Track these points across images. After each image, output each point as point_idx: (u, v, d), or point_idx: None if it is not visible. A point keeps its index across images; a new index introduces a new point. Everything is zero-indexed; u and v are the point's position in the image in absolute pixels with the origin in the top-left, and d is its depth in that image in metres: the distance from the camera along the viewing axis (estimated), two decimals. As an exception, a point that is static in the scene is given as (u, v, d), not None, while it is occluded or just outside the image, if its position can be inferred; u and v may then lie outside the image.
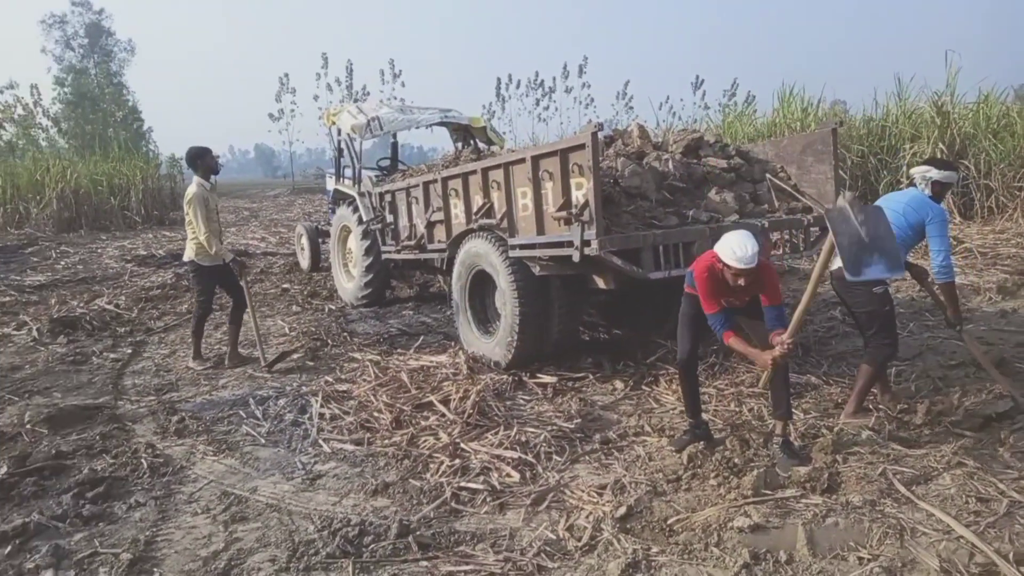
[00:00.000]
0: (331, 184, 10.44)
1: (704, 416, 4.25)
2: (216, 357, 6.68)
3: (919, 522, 3.14)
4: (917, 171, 4.43)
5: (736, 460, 3.82)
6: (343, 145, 9.58)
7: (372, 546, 3.19)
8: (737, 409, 4.65)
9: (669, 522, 3.28)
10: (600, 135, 4.73)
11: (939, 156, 11.27)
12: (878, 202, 4.43)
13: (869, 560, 2.89)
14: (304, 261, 11.40)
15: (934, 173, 4.34)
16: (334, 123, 9.59)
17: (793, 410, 3.98)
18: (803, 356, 5.70)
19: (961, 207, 11.90)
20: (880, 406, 4.49)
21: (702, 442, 4.03)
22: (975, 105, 12.40)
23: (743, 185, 5.73)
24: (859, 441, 4.01)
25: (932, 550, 2.92)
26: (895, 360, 4.71)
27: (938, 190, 4.33)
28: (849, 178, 12.28)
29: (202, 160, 6.28)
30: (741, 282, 3.62)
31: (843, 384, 4.97)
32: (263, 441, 4.61)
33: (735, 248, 3.55)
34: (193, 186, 6.25)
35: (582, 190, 4.58)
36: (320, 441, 4.53)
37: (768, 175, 5.79)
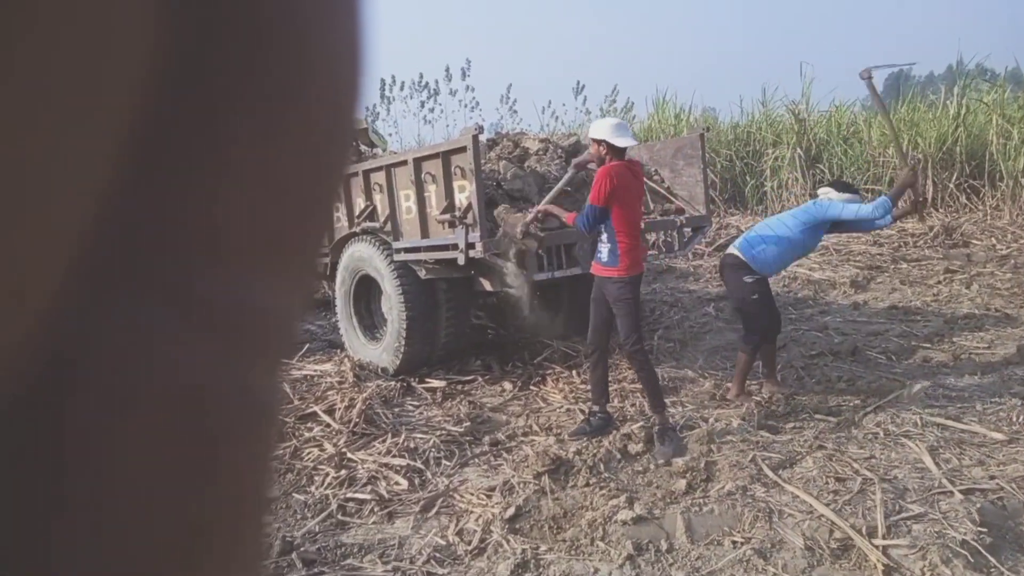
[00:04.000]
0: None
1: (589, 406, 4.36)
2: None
3: (786, 504, 3.35)
4: (820, 192, 4.75)
5: (621, 454, 3.94)
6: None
7: (253, 567, 3.04)
8: (620, 404, 4.80)
9: (557, 520, 3.34)
10: (482, 138, 4.76)
11: (843, 179, 11.99)
12: (775, 216, 4.86)
13: (742, 543, 3.05)
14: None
15: (834, 195, 4.62)
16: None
17: (664, 401, 4.18)
18: (680, 351, 5.96)
19: (817, 208, 12.85)
20: (761, 393, 4.77)
21: (598, 434, 4.16)
22: (828, 114, 13.44)
23: (621, 188, 5.92)
24: (731, 430, 4.24)
25: (797, 529, 3.12)
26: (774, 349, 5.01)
27: None
28: (719, 180, 12.98)
29: None
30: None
31: (717, 378, 5.24)
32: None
33: (623, 129, 4.07)
34: None
35: (465, 193, 4.58)
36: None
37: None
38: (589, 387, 4.46)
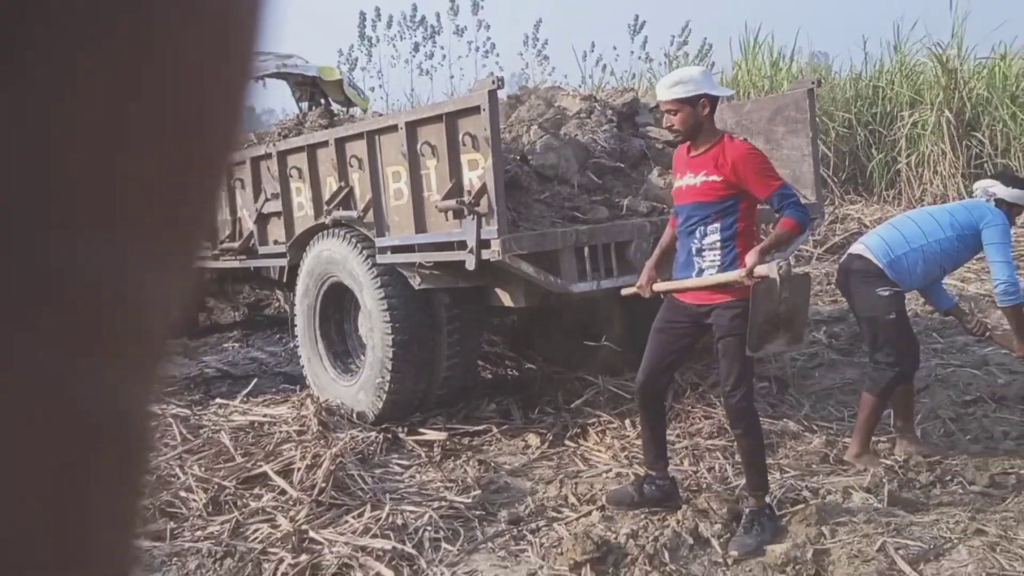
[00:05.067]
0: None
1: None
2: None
3: (929, 612, 3.31)
4: (979, 185, 4.83)
5: (693, 537, 3.91)
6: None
7: None
8: (693, 469, 4.77)
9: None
10: (502, 94, 4.78)
11: (1011, 170, 11.91)
12: (922, 210, 4.84)
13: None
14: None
15: (999, 189, 4.66)
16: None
17: (768, 479, 4.11)
18: (778, 395, 5.92)
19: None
20: (894, 454, 4.73)
21: (650, 507, 4.14)
22: (989, 62, 13.29)
23: (696, 164, 5.92)
24: (851, 507, 4.19)
25: (945, 648, 3.08)
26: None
27: (1005, 212, 4.62)
28: (833, 154, 12.89)
29: None
30: (671, 126, 4.04)
31: (830, 431, 5.19)
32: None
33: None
34: None
35: (477, 170, 4.60)
36: (99, 537, 4.32)
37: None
38: (641, 446, 4.44)
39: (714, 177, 3.88)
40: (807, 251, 9.92)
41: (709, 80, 4.07)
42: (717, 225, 3.94)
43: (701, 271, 3.98)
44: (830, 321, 7.60)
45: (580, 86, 14.61)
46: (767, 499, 4.04)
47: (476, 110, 4.53)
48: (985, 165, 12.60)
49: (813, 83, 5.98)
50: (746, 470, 4.09)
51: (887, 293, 4.55)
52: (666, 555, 3.79)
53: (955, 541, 3.82)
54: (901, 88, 13.48)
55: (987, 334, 5.01)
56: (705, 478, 4.63)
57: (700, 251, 3.98)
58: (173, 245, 0.26)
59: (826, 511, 4.10)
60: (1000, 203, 4.64)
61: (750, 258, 3.75)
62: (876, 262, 4.60)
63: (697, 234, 3.98)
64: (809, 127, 5.77)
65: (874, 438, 4.76)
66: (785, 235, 3.97)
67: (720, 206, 3.93)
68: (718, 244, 3.95)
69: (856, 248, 4.82)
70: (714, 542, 3.92)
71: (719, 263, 3.94)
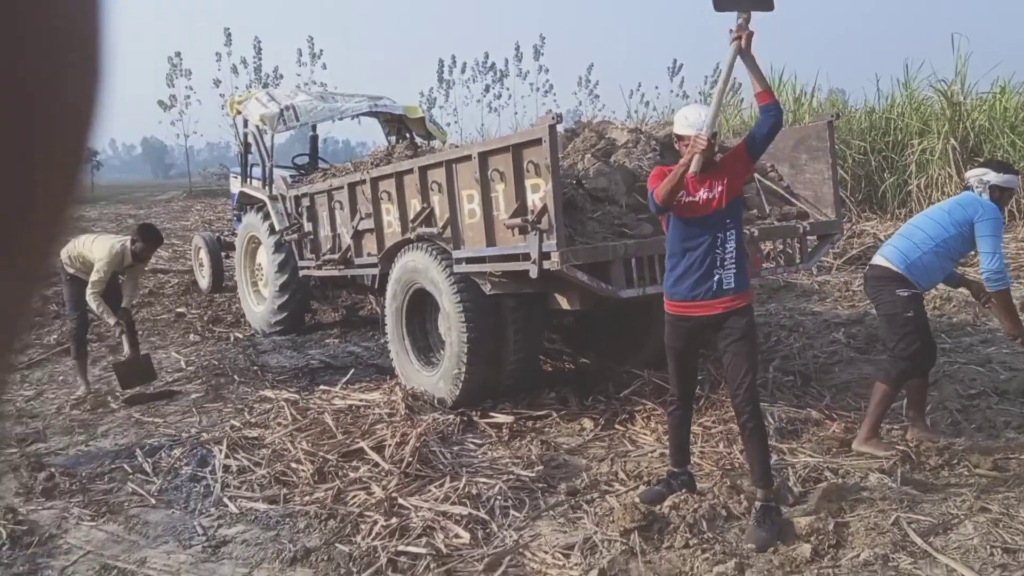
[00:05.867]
0: (236, 186, 10.32)
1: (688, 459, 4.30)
2: (95, 398, 6.52)
3: (938, 578, 3.23)
4: (972, 174, 4.68)
5: (726, 511, 3.87)
6: (251, 139, 9.49)
7: (290, 627, 3.13)
8: (727, 450, 4.73)
9: (649, 587, 3.31)
10: (560, 127, 4.80)
11: (997, 158, 11.69)
12: (923, 216, 4.75)
13: (882, 625, 2.95)
14: (203, 280, 11.20)
15: (992, 176, 4.56)
16: (239, 113, 9.50)
17: (775, 477, 3.96)
18: (801, 387, 5.83)
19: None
20: (906, 440, 4.63)
21: (684, 491, 4.07)
22: (990, 97, 12.94)
23: (729, 186, 5.86)
24: (868, 485, 4.11)
25: (953, 611, 3.00)
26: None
27: (997, 196, 4.54)
28: (850, 178, 12.67)
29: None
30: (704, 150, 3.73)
31: (848, 420, 5.10)
32: (153, 501, 4.49)
33: (688, 114, 3.81)
34: (119, 243, 6.52)
35: (539, 193, 4.62)
36: (225, 499, 4.44)
37: (756, 175, 5.94)
38: (668, 448, 4.31)
39: (726, 179, 3.77)
40: (828, 262, 9.75)
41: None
42: (733, 232, 3.82)
43: (720, 282, 3.78)
44: (848, 323, 7.47)
45: (627, 120, 14.55)
46: (774, 498, 3.82)
47: (538, 142, 4.55)
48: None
49: (833, 116, 5.87)
50: (758, 463, 3.80)
51: (906, 294, 4.48)
52: (704, 524, 3.75)
53: (962, 517, 3.74)
54: (911, 119, 13.22)
55: (989, 304, 4.84)
56: (738, 458, 4.58)
57: (723, 262, 3.78)
58: (17, 259, 0.26)
59: (845, 489, 4.04)
60: (993, 189, 4.53)
61: None
62: (895, 268, 4.54)
63: (718, 246, 3.78)
64: (829, 154, 5.68)
65: (887, 425, 4.67)
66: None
67: (734, 212, 3.83)
68: (733, 253, 3.80)
69: (876, 259, 4.75)
70: (746, 516, 3.87)
71: (735, 271, 3.80)
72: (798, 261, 5.65)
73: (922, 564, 3.35)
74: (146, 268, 7.79)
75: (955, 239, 4.50)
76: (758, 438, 3.81)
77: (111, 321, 6.54)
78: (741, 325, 3.80)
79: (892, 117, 13.47)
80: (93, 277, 6.42)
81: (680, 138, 3.85)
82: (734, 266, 3.80)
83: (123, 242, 6.58)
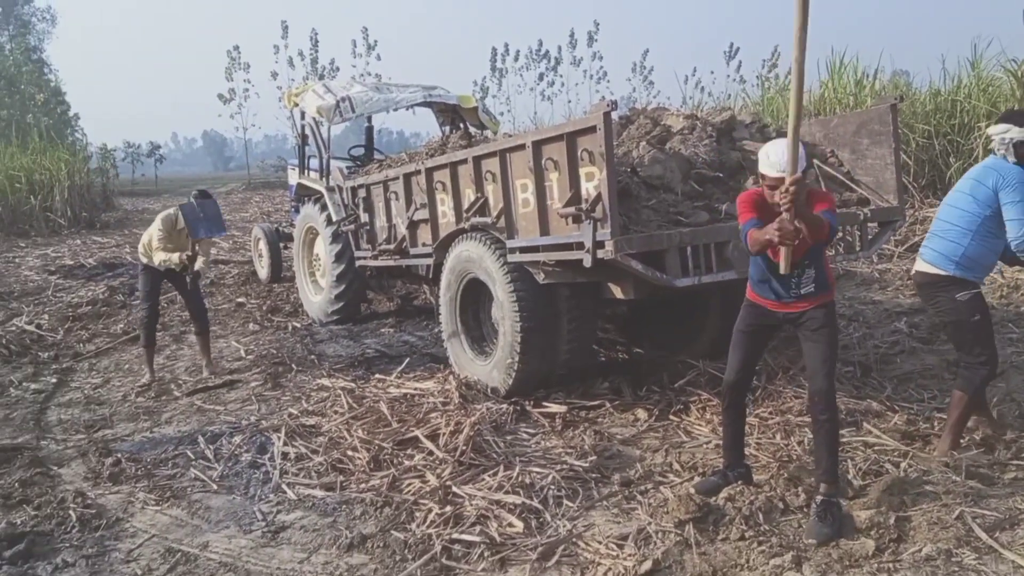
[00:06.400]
0: (294, 178, 10.48)
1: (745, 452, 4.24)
2: (159, 386, 6.70)
3: (1004, 575, 3.13)
4: (994, 132, 4.23)
5: (783, 503, 3.81)
6: (308, 131, 9.62)
7: (347, 612, 3.18)
8: (784, 442, 4.65)
9: (704, 579, 3.28)
10: (614, 115, 4.75)
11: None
12: (948, 208, 4.36)
13: (945, 622, 2.88)
14: (262, 270, 11.42)
15: (1015, 132, 4.12)
16: (296, 105, 9.63)
17: (839, 471, 3.83)
18: (861, 378, 5.70)
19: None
20: (971, 434, 4.49)
21: (740, 483, 4.02)
22: (1064, 75, 12.43)
23: (787, 173, 5.75)
24: (931, 479, 4.01)
25: (1021, 609, 2.91)
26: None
27: (1023, 153, 4.12)
28: (913, 163, 12.32)
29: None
30: (779, 199, 3.48)
31: (910, 411, 4.98)
32: (215, 487, 4.60)
33: (770, 152, 3.61)
34: (172, 209, 6.95)
35: (593, 181, 4.59)
36: (284, 486, 4.52)
37: (816, 161, 5.81)
38: (723, 447, 4.23)
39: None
40: (889, 250, 9.52)
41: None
42: (812, 266, 3.72)
43: (800, 290, 3.73)
44: (910, 313, 7.29)
45: (682, 106, 14.37)
46: (838, 494, 3.75)
47: (592, 129, 4.51)
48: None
49: (896, 99, 5.69)
50: (826, 457, 3.72)
51: (967, 297, 4.19)
52: (760, 517, 3.70)
53: (1030, 513, 3.62)
54: (978, 101, 12.77)
55: None
56: (795, 450, 4.51)
57: (800, 284, 3.72)
58: None
59: (907, 482, 3.94)
60: (1019, 147, 4.10)
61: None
62: (945, 272, 4.23)
63: (796, 276, 3.71)
64: (892, 139, 5.52)
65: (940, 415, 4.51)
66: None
67: (814, 251, 3.70)
68: (813, 275, 3.72)
69: (920, 266, 4.40)
70: (803, 509, 3.81)
71: (815, 282, 3.73)
72: (858, 248, 5.52)
73: (987, 560, 3.26)
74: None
75: (991, 219, 4.14)
76: (829, 431, 3.72)
77: (176, 259, 6.70)
78: (820, 316, 3.74)
79: (959, 99, 13.03)
80: (155, 244, 6.75)
81: (764, 177, 3.66)
82: (813, 284, 3.73)
83: (176, 207, 6.90)
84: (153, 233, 6.80)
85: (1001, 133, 4.17)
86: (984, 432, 4.47)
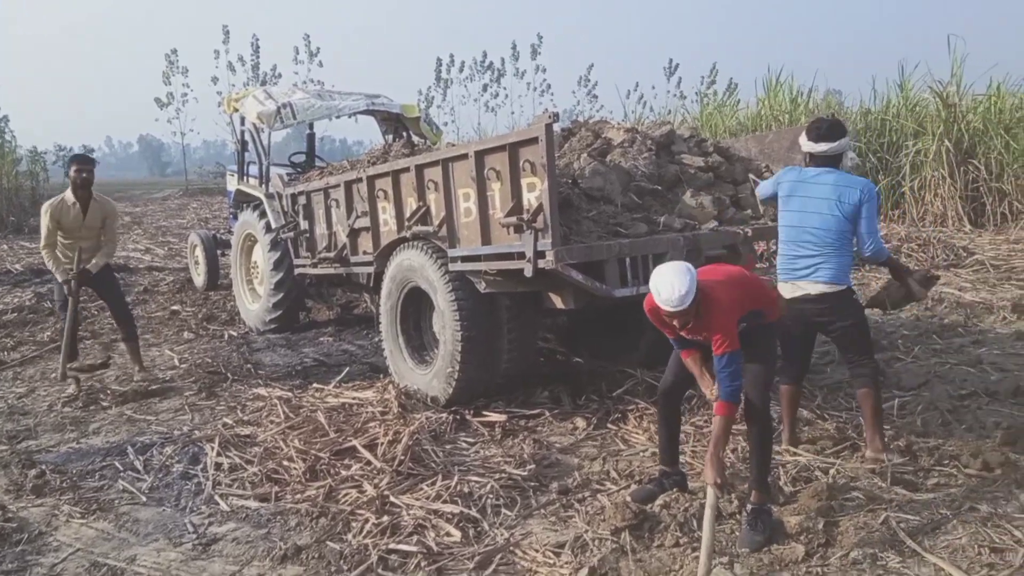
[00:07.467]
0: (233, 184, 10.30)
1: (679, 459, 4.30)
2: (87, 395, 6.50)
3: (926, 578, 3.23)
4: (847, 154, 4.53)
5: (717, 510, 3.87)
6: (247, 137, 9.47)
7: (280, 624, 3.13)
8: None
9: (639, 586, 3.31)
10: (556, 127, 4.79)
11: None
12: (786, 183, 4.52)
13: (870, 624, 2.96)
14: (199, 277, 11.19)
15: (804, 144, 4.47)
16: (236, 110, 9.48)
17: (769, 480, 3.94)
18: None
19: (971, 213, 12.41)
20: (896, 442, 4.61)
21: (675, 490, 4.07)
22: (985, 98, 12.97)
23: (723, 187, 5.87)
24: (857, 485, 4.11)
25: (941, 610, 3.00)
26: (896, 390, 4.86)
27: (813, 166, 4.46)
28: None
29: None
30: (675, 323, 3.58)
31: (839, 419, 5.11)
32: (144, 499, 4.48)
33: (660, 285, 3.47)
34: (54, 198, 6.79)
35: (535, 192, 4.62)
36: (216, 497, 4.43)
37: (752, 175, 5.94)
38: (658, 446, 4.29)
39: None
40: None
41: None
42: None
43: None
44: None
45: (623, 120, 14.55)
46: (770, 500, 3.84)
47: (534, 141, 4.53)
48: (981, 188, 12.33)
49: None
50: (758, 465, 3.81)
51: (857, 295, 4.56)
52: (695, 524, 3.75)
53: (951, 516, 3.75)
54: (906, 121, 13.26)
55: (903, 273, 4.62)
56: (729, 457, 4.57)
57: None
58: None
59: (835, 488, 4.04)
60: (812, 159, 4.49)
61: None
62: (842, 287, 4.34)
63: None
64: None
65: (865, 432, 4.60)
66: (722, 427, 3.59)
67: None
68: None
69: (820, 288, 4.31)
70: (736, 515, 3.87)
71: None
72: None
73: (910, 563, 3.36)
74: (118, 214, 7.69)
75: (847, 231, 4.31)
76: (762, 441, 3.85)
77: (60, 277, 6.64)
78: (757, 334, 3.84)
79: (888, 118, 13.52)
80: (43, 252, 6.72)
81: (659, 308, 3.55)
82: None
83: (59, 195, 6.79)
84: (42, 233, 6.63)
85: (800, 145, 4.55)
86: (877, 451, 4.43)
